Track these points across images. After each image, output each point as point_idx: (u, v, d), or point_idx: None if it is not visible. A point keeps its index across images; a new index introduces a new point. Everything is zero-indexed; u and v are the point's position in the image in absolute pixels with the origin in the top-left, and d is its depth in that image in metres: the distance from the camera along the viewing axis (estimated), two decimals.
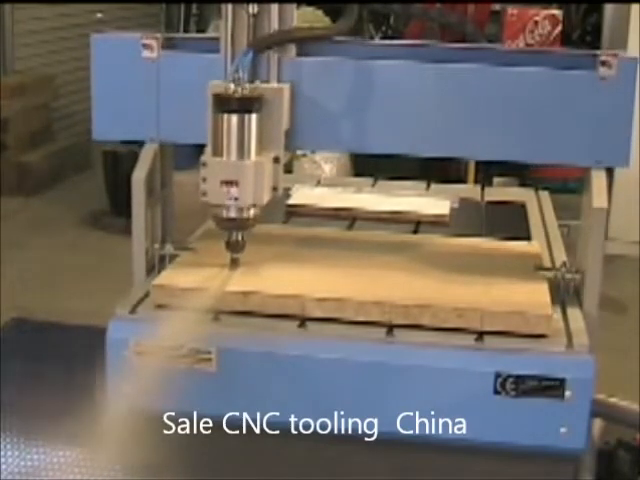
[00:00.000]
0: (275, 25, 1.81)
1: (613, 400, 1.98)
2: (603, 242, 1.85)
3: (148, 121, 1.91)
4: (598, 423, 2.21)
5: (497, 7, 5.43)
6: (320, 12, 4.94)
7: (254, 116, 1.73)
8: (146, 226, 1.97)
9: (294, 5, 1.84)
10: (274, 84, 1.84)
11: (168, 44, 1.92)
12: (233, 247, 1.83)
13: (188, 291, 1.80)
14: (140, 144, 1.99)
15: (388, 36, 5.64)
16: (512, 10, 5.23)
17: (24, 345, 3.80)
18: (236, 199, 1.74)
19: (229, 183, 1.73)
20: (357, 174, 5.02)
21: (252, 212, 1.78)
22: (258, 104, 1.74)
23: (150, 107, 1.90)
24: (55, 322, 3.99)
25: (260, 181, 1.76)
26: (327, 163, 5.04)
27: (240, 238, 1.82)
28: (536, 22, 5.19)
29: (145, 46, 1.89)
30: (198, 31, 6.01)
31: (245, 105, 1.73)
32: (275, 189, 1.81)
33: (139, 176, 1.94)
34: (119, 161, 5.39)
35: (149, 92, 1.89)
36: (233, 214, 1.77)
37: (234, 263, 1.85)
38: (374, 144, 1.91)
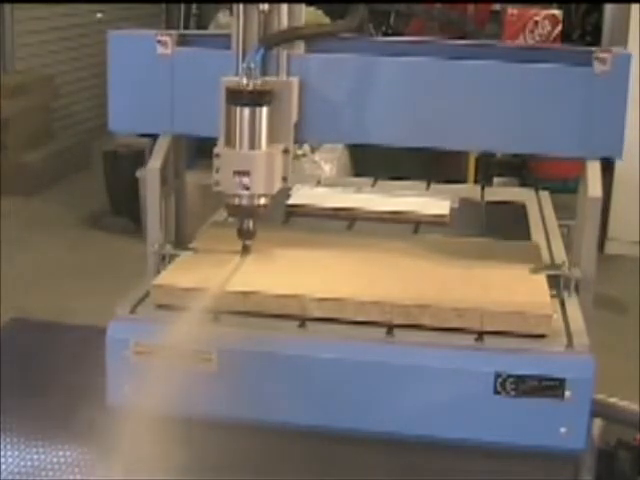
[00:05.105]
0: (284, 23, 1.87)
1: (613, 400, 1.98)
2: (598, 233, 1.91)
3: (162, 114, 1.98)
4: (598, 423, 2.21)
5: (497, 7, 5.43)
6: (320, 12, 4.94)
7: (265, 109, 1.79)
8: (160, 217, 2.00)
9: (303, 4, 1.90)
10: (284, 78, 1.89)
11: (182, 41, 1.99)
12: (244, 234, 1.86)
13: (188, 291, 1.80)
14: (151, 137, 2.06)
15: (388, 35, 5.64)
16: (512, 10, 5.22)
17: (24, 345, 3.80)
18: (248, 188, 1.79)
19: (241, 173, 1.78)
20: (357, 174, 5.02)
21: (263, 200, 1.82)
22: (269, 97, 1.79)
23: (164, 101, 1.97)
24: (55, 322, 3.99)
25: (271, 171, 1.81)
26: (327, 163, 5.03)
27: (251, 226, 1.85)
28: (536, 22, 5.18)
29: (160, 43, 1.95)
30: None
31: (256, 98, 1.78)
32: (285, 179, 1.87)
33: (154, 166, 1.99)
34: (119, 161, 5.39)
35: (163, 86, 1.96)
36: (245, 202, 1.81)
37: (245, 250, 1.87)
38: (378, 136, 1.97)
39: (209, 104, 1.83)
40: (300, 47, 1.92)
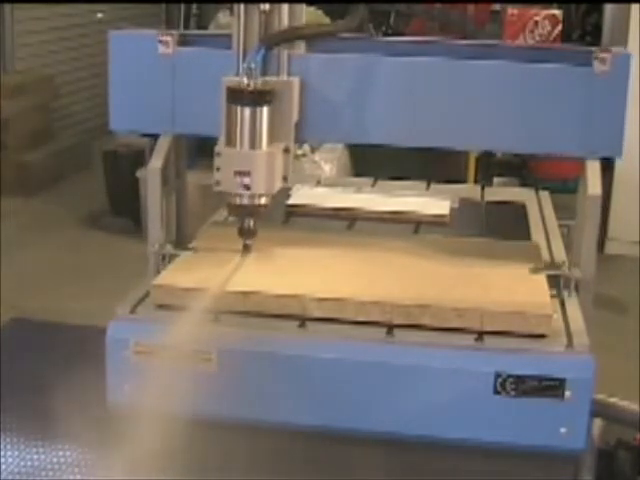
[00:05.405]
0: (285, 22, 1.88)
1: (613, 400, 1.98)
2: (597, 231, 1.91)
3: (163, 114, 1.98)
4: (598, 423, 2.21)
5: (497, 7, 5.43)
6: (320, 12, 4.94)
7: (265, 108, 1.79)
8: (161, 217, 2.00)
9: (303, 4, 1.91)
10: (284, 78, 1.89)
11: (183, 41, 1.99)
12: (245, 233, 1.86)
13: (188, 291, 1.80)
14: (152, 137, 2.07)
15: (388, 35, 5.63)
16: (512, 10, 5.22)
17: (24, 345, 3.80)
18: (248, 188, 1.78)
19: (242, 173, 1.78)
20: (357, 174, 5.02)
21: (263, 200, 1.82)
22: (269, 97, 1.80)
23: (165, 100, 1.97)
24: (55, 322, 3.99)
25: (271, 170, 1.81)
26: (327, 163, 5.03)
27: (252, 225, 1.85)
28: (536, 22, 5.18)
29: (161, 42, 1.96)
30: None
31: (257, 98, 1.78)
32: (285, 179, 1.87)
33: (155, 166, 1.99)
34: (119, 161, 5.39)
35: (164, 86, 1.97)
36: (245, 201, 1.81)
37: (246, 249, 1.87)
38: (378, 136, 1.97)
39: (210, 104, 1.83)
40: (301, 47, 1.92)
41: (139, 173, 4.92)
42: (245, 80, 1.77)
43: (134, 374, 1.75)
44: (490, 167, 5.24)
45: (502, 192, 2.97)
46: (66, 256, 4.95)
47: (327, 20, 4.77)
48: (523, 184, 5.01)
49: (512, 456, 1.74)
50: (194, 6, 6.22)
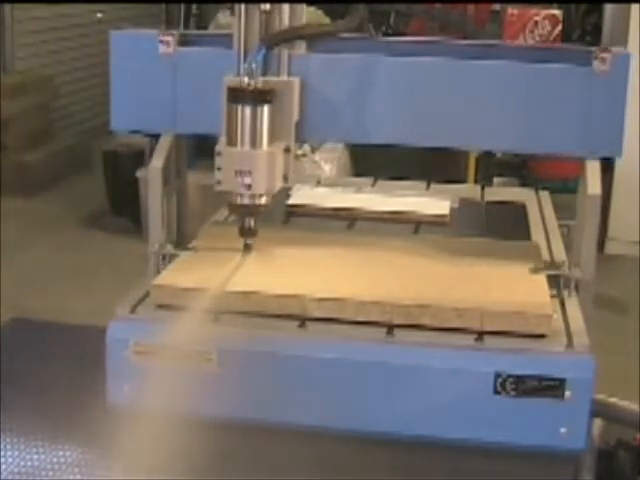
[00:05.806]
0: (285, 22, 1.88)
1: (613, 400, 1.98)
2: (597, 231, 1.92)
3: (164, 113, 1.98)
4: (598, 423, 2.21)
5: (497, 7, 5.43)
6: (320, 12, 4.94)
7: (266, 108, 1.79)
8: (162, 217, 2.00)
9: (304, 4, 1.91)
10: (285, 78, 1.90)
11: (183, 40, 1.99)
12: (246, 233, 1.86)
13: (188, 291, 1.80)
14: (153, 137, 2.07)
15: (388, 35, 5.62)
16: (512, 10, 5.21)
17: (24, 345, 3.80)
18: (249, 187, 1.79)
19: (242, 172, 1.78)
20: (357, 174, 5.02)
21: (264, 199, 1.83)
22: (270, 97, 1.80)
23: (166, 100, 1.97)
24: (55, 322, 3.99)
25: (272, 170, 1.81)
26: (327, 163, 5.03)
27: (252, 224, 1.85)
28: (536, 22, 5.18)
29: (162, 42, 1.96)
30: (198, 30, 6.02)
31: (258, 97, 1.78)
32: (286, 178, 1.87)
33: (156, 166, 1.99)
34: (119, 161, 5.39)
35: (165, 86, 1.97)
36: (246, 201, 1.81)
37: (247, 248, 1.87)
38: (379, 136, 1.97)
39: (211, 103, 1.84)
40: (301, 47, 1.92)
41: (139, 173, 4.92)
42: (246, 80, 1.77)
43: (134, 374, 1.75)
44: (490, 167, 5.23)
45: (502, 192, 2.97)
46: (66, 256, 4.95)
47: (327, 20, 4.77)
48: (523, 184, 5.01)
49: (512, 456, 1.74)
50: (194, 6, 6.22)
